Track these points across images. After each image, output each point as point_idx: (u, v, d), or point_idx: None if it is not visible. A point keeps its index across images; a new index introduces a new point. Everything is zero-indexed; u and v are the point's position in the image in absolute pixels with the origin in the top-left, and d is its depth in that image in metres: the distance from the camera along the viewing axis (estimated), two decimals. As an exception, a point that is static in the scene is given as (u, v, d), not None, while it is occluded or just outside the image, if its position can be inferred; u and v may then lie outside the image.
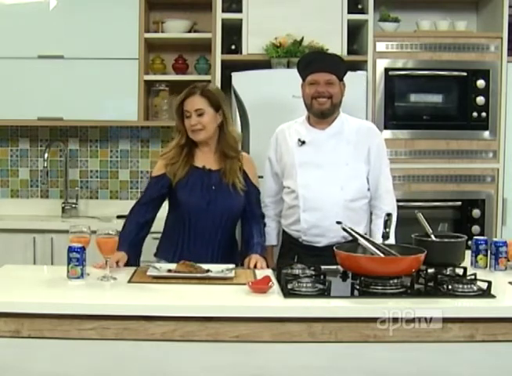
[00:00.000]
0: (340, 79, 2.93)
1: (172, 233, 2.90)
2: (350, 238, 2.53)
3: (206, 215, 2.81)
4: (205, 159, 2.88)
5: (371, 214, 3.05)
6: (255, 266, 2.70)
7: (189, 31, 4.20)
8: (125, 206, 4.22)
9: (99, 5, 4.02)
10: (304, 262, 2.57)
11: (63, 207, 4.32)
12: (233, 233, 2.95)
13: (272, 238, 3.13)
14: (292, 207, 2.98)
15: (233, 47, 4.01)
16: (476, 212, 3.95)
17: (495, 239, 2.71)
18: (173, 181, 2.83)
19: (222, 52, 3.92)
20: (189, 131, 2.84)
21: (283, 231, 3.09)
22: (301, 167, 2.94)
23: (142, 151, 4.40)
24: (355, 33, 4.04)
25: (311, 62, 2.95)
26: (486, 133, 3.95)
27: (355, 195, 2.93)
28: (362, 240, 2.42)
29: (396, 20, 4.03)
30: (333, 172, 2.91)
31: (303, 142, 2.96)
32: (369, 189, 2.98)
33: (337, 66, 2.94)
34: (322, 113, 2.92)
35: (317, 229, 2.92)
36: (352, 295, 2.31)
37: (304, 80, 2.96)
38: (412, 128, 3.95)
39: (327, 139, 2.94)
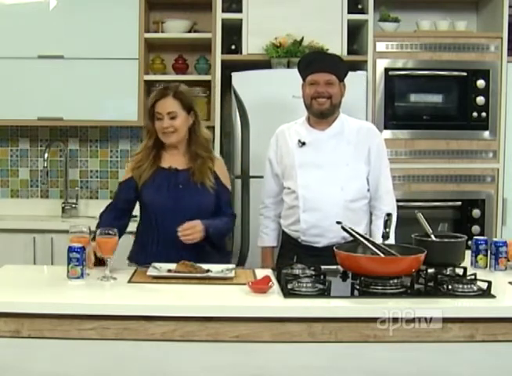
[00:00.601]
0: (341, 80, 2.93)
1: (142, 235, 2.87)
2: (349, 239, 2.53)
3: (173, 215, 2.72)
4: (173, 160, 2.82)
5: (371, 214, 3.04)
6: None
7: (189, 31, 4.20)
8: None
9: (99, 5, 4.02)
10: (303, 263, 2.57)
11: (63, 207, 4.32)
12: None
13: (271, 239, 3.12)
14: (292, 207, 2.98)
15: (233, 47, 4.01)
16: (476, 212, 3.95)
17: (495, 239, 2.71)
18: (139, 183, 2.78)
19: (222, 52, 3.92)
20: (160, 133, 2.77)
21: (283, 231, 3.09)
22: (301, 168, 2.94)
23: (142, 151, 4.39)
24: (355, 33, 4.04)
25: (312, 62, 2.94)
26: (486, 133, 3.95)
27: (355, 195, 2.93)
28: (362, 240, 2.42)
29: (396, 20, 4.03)
30: (334, 173, 2.91)
31: (303, 144, 2.96)
32: (368, 190, 2.98)
33: (337, 67, 2.93)
34: (321, 113, 2.92)
35: (317, 229, 2.91)
36: (352, 295, 2.31)
37: (304, 80, 2.96)
38: (412, 128, 3.95)
39: (327, 140, 2.94)
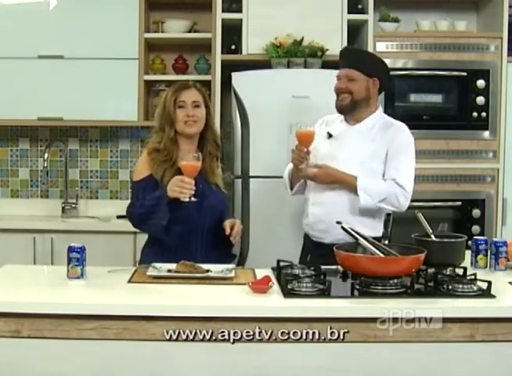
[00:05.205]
0: (370, 75, 2.87)
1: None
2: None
3: (199, 213, 2.71)
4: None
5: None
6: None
7: (189, 31, 4.20)
8: (125, 206, 4.27)
9: (99, 5, 4.02)
10: (315, 260, 2.54)
11: (63, 207, 4.32)
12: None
13: None
14: (306, 199, 2.99)
15: (233, 47, 4.01)
16: (476, 212, 3.95)
17: (495, 239, 2.71)
18: (160, 182, 2.68)
19: (222, 52, 3.92)
20: (182, 122, 2.72)
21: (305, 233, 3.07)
22: (320, 159, 2.89)
23: (142, 151, 4.38)
24: (355, 33, 4.04)
25: (340, 57, 2.97)
26: (486, 133, 3.95)
27: None
28: (362, 240, 2.42)
29: (396, 20, 4.03)
30: (346, 169, 2.86)
31: (330, 136, 2.95)
32: None
33: (362, 62, 2.89)
34: (340, 108, 2.92)
35: (322, 224, 2.90)
36: (352, 295, 2.30)
37: None
38: (412, 128, 3.88)
39: (352, 135, 2.91)
